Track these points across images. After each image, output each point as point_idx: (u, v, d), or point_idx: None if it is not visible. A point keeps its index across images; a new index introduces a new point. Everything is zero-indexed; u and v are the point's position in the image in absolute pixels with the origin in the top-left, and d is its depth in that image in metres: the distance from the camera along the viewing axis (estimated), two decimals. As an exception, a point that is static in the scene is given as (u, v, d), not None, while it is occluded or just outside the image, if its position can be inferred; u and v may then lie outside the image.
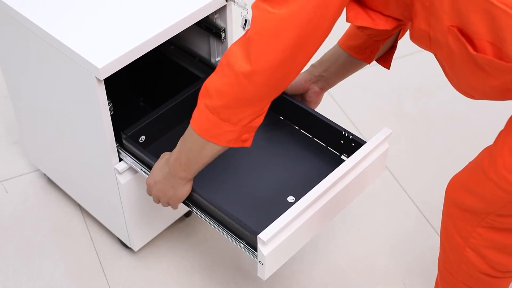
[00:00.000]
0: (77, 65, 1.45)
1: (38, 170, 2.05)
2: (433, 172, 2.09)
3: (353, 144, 1.53)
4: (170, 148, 1.46)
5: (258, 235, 1.32)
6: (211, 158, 1.35)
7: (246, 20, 1.61)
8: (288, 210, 1.36)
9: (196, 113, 1.30)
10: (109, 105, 1.50)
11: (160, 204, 1.52)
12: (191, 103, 1.52)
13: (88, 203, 1.88)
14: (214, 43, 1.73)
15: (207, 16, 1.67)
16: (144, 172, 1.55)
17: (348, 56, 1.55)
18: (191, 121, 1.31)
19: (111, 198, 1.70)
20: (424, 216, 1.97)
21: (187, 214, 1.94)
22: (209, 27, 1.68)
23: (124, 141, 1.56)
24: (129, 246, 1.81)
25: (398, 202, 2.02)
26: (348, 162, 1.44)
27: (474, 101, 2.27)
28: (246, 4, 1.57)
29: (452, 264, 1.46)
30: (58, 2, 1.55)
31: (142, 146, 1.59)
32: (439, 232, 1.92)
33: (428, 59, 2.44)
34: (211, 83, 1.26)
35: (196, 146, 1.32)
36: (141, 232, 1.77)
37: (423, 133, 2.20)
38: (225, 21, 1.66)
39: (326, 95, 2.30)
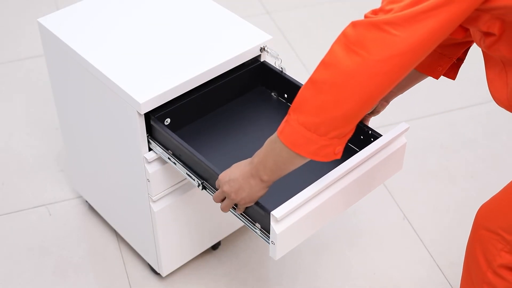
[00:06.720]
0: (120, 98, 1.61)
1: (81, 197, 2.20)
2: (450, 223, 2.16)
3: (371, 139, 1.56)
4: (199, 135, 1.56)
5: (271, 212, 1.33)
6: (298, 166, 1.31)
7: (282, 69, 1.73)
8: (302, 191, 1.36)
9: (286, 128, 1.25)
10: (147, 137, 1.64)
11: (193, 229, 1.56)
12: (224, 91, 1.66)
13: (123, 229, 2.01)
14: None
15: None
16: (173, 162, 1.59)
17: (418, 73, 1.57)
18: (280, 134, 1.26)
19: (144, 225, 1.83)
20: (438, 266, 2.05)
21: (214, 247, 2.05)
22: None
23: (151, 122, 1.60)
24: (158, 271, 1.94)
25: (414, 250, 2.10)
26: (365, 151, 1.46)
27: (494, 156, 2.34)
28: (278, 54, 1.70)
29: (474, 286, 1.54)
30: (113, 43, 1.72)
31: (170, 128, 1.63)
32: (451, 282, 2.00)
33: (452, 118, 2.51)
34: (305, 99, 1.22)
35: (286, 155, 1.27)
36: (170, 259, 1.90)
37: (444, 187, 2.28)
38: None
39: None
